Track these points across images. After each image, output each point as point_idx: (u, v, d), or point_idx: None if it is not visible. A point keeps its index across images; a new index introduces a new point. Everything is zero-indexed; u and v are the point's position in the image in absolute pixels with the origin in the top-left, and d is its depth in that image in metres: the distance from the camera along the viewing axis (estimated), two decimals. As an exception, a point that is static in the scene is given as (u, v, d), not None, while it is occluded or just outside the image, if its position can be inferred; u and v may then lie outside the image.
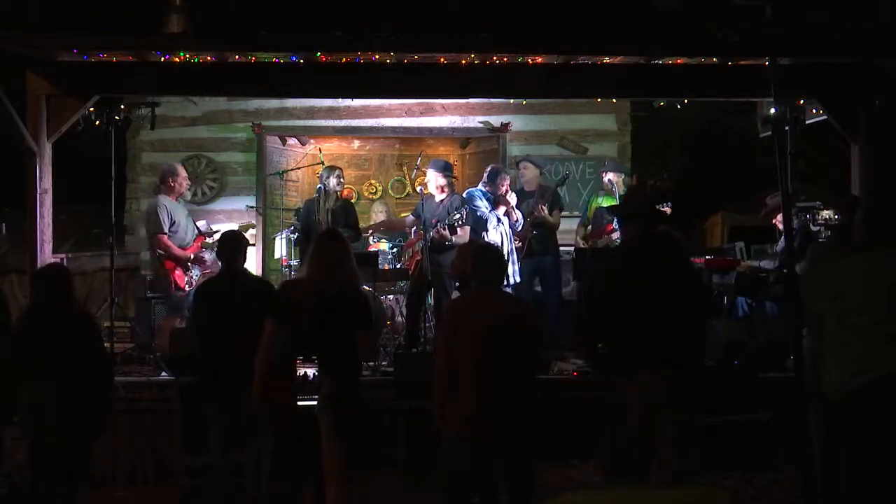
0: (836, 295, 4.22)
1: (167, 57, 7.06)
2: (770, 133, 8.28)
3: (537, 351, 4.51)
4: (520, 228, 7.86)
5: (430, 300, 7.71)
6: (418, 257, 7.63)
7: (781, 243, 7.44)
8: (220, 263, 5.58)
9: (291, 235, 8.32)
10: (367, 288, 6.63)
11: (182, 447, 6.35)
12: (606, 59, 7.26)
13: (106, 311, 7.42)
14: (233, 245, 5.47)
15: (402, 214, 9.69)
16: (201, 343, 5.41)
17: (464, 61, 7.20)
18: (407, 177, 10.44)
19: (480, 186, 7.99)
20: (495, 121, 9.89)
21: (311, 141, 10.30)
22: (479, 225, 7.63)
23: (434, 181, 7.76)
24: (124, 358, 7.28)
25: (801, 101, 7.55)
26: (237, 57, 7.16)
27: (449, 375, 4.26)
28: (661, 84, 7.55)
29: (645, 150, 12.39)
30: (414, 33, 6.87)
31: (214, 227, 8.10)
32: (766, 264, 8.00)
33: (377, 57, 7.08)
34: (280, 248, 8.75)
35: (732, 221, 13.22)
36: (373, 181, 10.52)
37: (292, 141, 10.24)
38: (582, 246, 8.41)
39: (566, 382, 6.66)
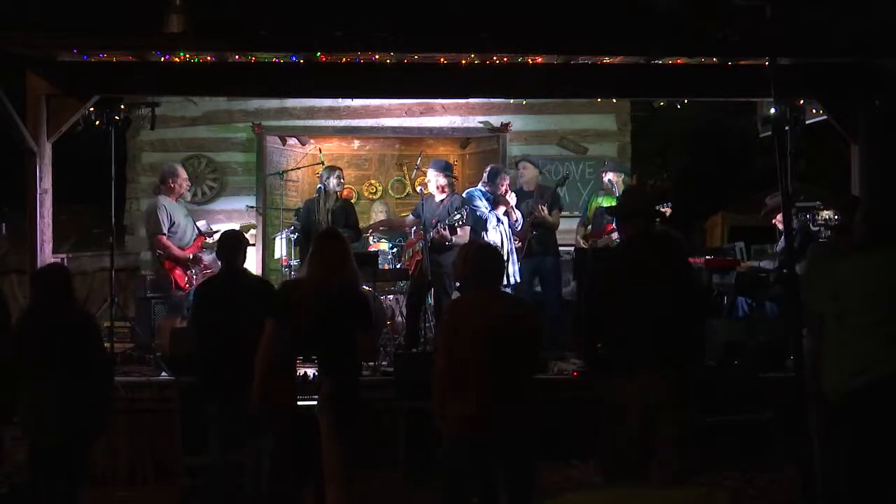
0: (836, 295, 4.22)
1: (167, 57, 7.06)
2: (770, 133, 8.28)
3: (537, 351, 4.51)
4: (519, 228, 7.86)
5: (430, 300, 7.71)
6: (418, 257, 7.63)
7: (781, 243, 7.44)
8: (219, 263, 5.58)
9: (291, 235, 8.32)
10: (367, 288, 6.64)
11: (182, 447, 6.35)
12: (606, 59, 7.27)
13: (106, 311, 7.42)
14: (233, 245, 5.47)
15: (402, 214, 9.67)
16: (201, 343, 5.40)
17: (464, 61, 7.20)
18: (407, 177, 10.44)
19: (480, 186, 7.99)
20: (495, 121, 9.89)
21: (311, 141, 10.30)
22: (479, 225, 7.63)
23: (434, 181, 7.76)
24: (124, 358, 7.27)
25: (801, 101, 7.54)
26: (237, 57, 7.16)
27: (449, 375, 4.25)
28: (661, 84, 7.55)
29: (645, 150, 12.39)
30: (414, 33, 6.87)
31: (214, 227, 8.09)
32: (766, 264, 8.00)
33: (377, 57, 7.08)
34: (280, 248, 8.74)
35: (732, 221, 13.22)
36: (373, 181, 10.52)
37: (292, 141, 10.24)
38: (582, 246, 8.42)
39: (566, 382, 6.65)
